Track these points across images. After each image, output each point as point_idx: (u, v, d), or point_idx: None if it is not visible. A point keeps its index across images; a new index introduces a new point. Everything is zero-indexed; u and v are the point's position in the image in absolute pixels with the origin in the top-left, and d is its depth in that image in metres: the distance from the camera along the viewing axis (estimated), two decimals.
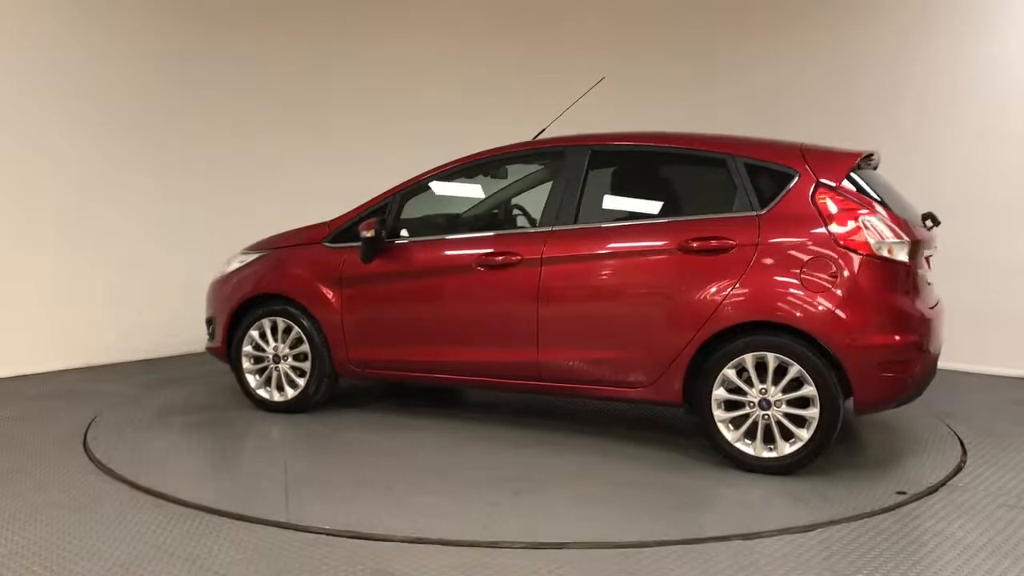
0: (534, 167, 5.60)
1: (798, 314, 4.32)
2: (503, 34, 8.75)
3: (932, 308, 4.67)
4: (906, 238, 4.40)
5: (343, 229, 5.50)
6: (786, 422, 4.36)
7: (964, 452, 4.89)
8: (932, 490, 4.26)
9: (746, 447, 4.45)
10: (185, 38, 7.67)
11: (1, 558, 3.40)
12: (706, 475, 4.46)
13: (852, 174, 4.57)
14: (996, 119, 6.89)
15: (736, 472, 4.45)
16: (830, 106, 7.54)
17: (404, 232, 5.38)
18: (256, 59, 8.09)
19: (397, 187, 5.43)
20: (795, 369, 4.32)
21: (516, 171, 5.63)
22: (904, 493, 4.16)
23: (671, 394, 4.64)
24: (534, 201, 5.43)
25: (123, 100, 7.31)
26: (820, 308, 4.29)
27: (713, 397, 4.49)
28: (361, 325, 5.40)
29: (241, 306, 5.72)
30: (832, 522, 3.80)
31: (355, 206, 5.55)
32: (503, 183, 5.70)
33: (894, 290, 4.39)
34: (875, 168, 5.09)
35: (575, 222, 4.92)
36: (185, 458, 4.79)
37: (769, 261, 4.43)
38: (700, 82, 8.19)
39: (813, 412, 4.30)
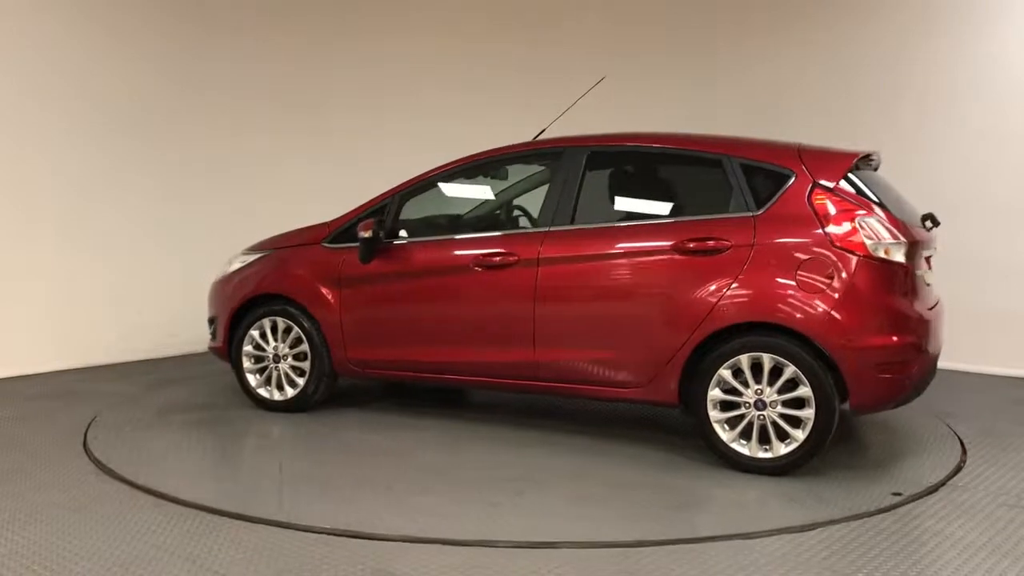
0: (532, 168, 5.60)
1: (793, 315, 4.31)
2: (503, 34, 8.75)
3: (931, 309, 4.66)
4: (903, 239, 4.39)
5: (342, 230, 5.51)
6: (782, 423, 4.35)
7: (964, 452, 4.89)
8: (932, 490, 4.26)
9: (742, 448, 4.44)
10: (185, 38, 7.67)
11: (1, 558, 3.40)
12: (703, 475, 4.45)
13: (850, 175, 4.56)
14: (996, 119, 6.89)
15: (732, 472, 4.45)
16: (830, 106, 7.54)
17: (403, 233, 5.38)
18: (256, 59, 8.10)
19: (396, 188, 5.44)
20: (790, 370, 4.31)
21: (514, 172, 5.63)
22: (900, 494, 4.15)
23: (667, 394, 4.64)
24: (532, 202, 5.44)
25: (123, 100, 7.31)
26: (815, 309, 4.28)
27: (709, 398, 4.49)
28: (360, 325, 5.40)
29: (242, 306, 5.73)
30: (832, 521, 3.80)
31: (355, 207, 5.55)
32: (501, 184, 5.70)
33: (891, 291, 4.38)
34: (875, 169, 5.09)
35: (572, 223, 4.92)
36: (185, 458, 4.79)
37: (765, 262, 4.42)
38: (700, 82, 8.19)
39: (808, 413, 4.29)
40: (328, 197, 6.63)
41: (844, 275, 4.28)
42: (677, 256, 4.59)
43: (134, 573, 3.26)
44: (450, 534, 3.64)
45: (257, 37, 8.10)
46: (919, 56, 7.23)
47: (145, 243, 7.47)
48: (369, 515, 3.85)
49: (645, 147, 5.09)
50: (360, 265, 5.34)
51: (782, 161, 4.59)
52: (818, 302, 4.28)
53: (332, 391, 5.73)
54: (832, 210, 4.38)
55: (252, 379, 5.73)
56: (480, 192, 5.80)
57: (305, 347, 5.55)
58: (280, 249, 5.79)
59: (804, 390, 4.29)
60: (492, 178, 5.63)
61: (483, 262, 5.05)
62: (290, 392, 5.63)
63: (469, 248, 5.15)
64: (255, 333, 5.69)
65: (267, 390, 5.70)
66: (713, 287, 4.47)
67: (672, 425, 5.33)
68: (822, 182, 4.46)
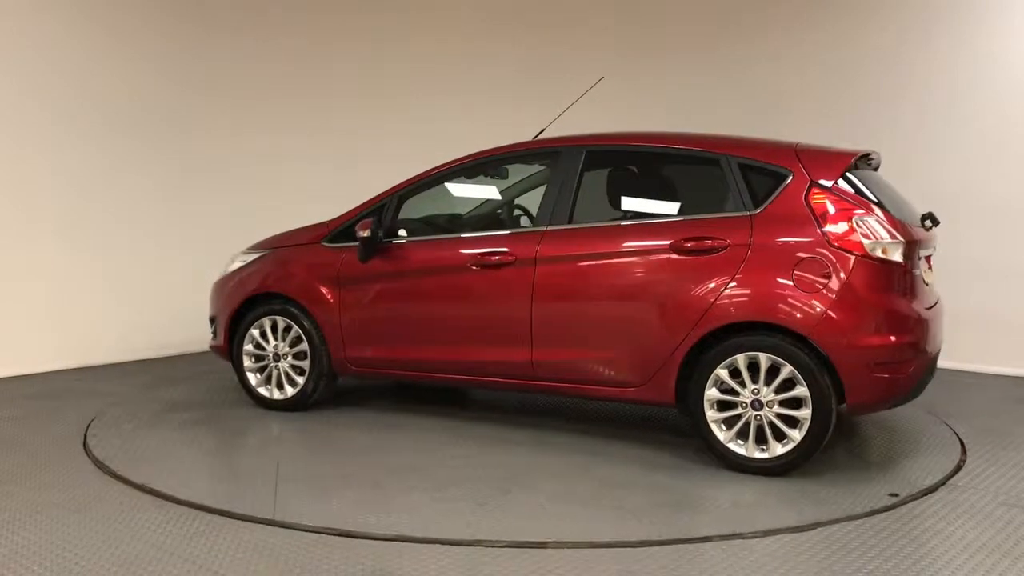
0: (530, 167, 5.61)
1: (790, 314, 4.30)
2: (503, 34, 8.76)
3: (930, 308, 4.64)
4: (901, 238, 4.37)
5: (341, 229, 5.51)
6: (778, 423, 4.34)
7: (964, 451, 4.89)
8: (931, 490, 4.26)
9: (739, 448, 4.43)
10: (185, 38, 7.68)
11: (1, 558, 3.40)
12: (699, 476, 4.44)
13: (848, 174, 4.55)
14: (997, 119, 6.88)
15: (729, 473, 4.44)
16: (830, 106, 7.54)
17: (402, 232, 5.39)
18: (256, 59, 8.10)
19: (394, 187, 5.44)
20: (787, 370, 4.29)
21: (514, 172, 5.63)
22: (897, 495, 4.14)
23: (664, 394, 4.63)
24: (531, 202, 5.44)
25: (123, 100, 7.31)
26: (812, 308, 4.27)
27: (706, 397, 4.48)
28: (358, 324, 5.41)
29: (243, 305, 5.74)
30: (831, 521, 3.80)
31: (354, 206, 5.56)
32: (500, 183, 5.70)
33: (888, 291, 4.36)
34: (875, 169, 5.09)
35: (569, 222, 4.92)
36: (185, 457, 4.79)
37: (762, 261, 4.40)
38: (700, 82, 8.19)
39: (805, 413, 4.28)
40: (328, 197, 6.64)
41: (841, 274, 4.27)
42: (674, 255, 4.59)
43: (134, 573, 3.26)
44: (450, 534, 3.64)
45: (257, 37, 8.11)
46: (919, 56, 7.23)
47: (145, 243, 7.47)
48: (369, 515, 3.85)
49: (642, 147, 5.09)
50: (359, 264, 5.35)
51: (779, 160, 4.58)
52: (815, 301, 4.27)
53: (332, 390, 5.73)
54: (829, 209, 4.37)
55: (252, 378, 5.74)
56: (478, 192, 5.81)
57: (305, 346, 5.55)
58: (280, 248, 5.80)
59: (801, 390, 4.28)
60: (491, 178, 5.63)
61: (480, 261, 5.05)
62: (290, 391, 5.64)
63: (466, 248, 5.15)
64: (255, 332, 5.70)
65: (267, 389, 5.70)
66: (710, 286, 4.46)
67: (670, 425, 5.33)
68: (819, 181, 4.45)
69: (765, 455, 4.38)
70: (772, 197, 4.50)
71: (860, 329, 4.26)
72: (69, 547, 3.50)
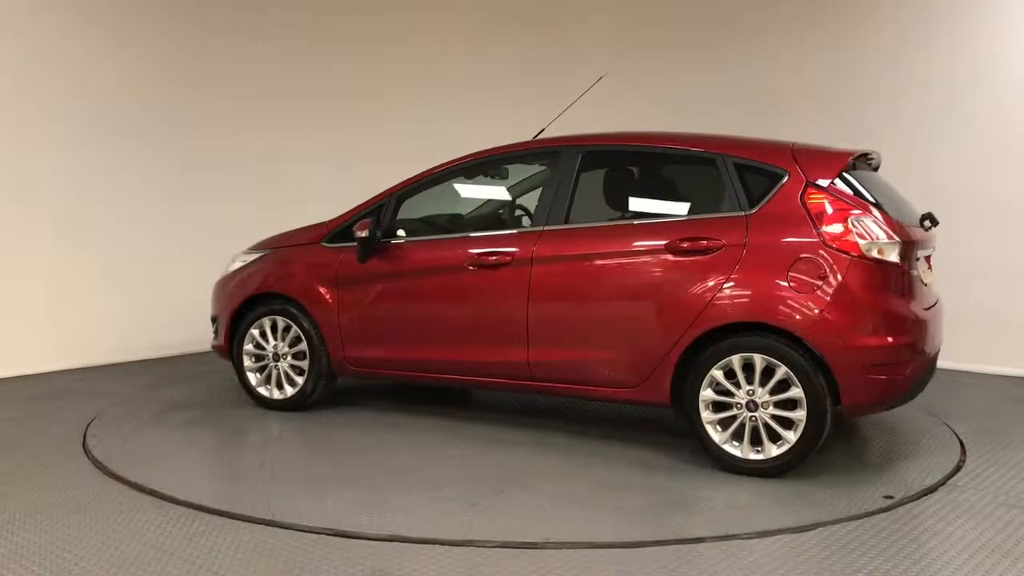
0: (527, 168, 5.60)
1: (785, 315, 4.28)
2: (503, 34, 8.76)
3: (928, 309, 4.62)
4: (897, 239, 4.34)
5: (340, 229, 5.52)
6: (773, 424, 4.32)
7: (963, 451, 4.89)
8: (931, 490, 4.25)
9: (734, 449, 4.41)
10: (185, 38, 7.68)
11: (0, 559, 3.40)
12: (694, 477, 4.42)
13: (846, 174, 4.52)
14: (997, 119, 6.88)
15: (724, 474, 4.42)
16: (830, 106, 7.53)
17: (401, 232, 5.39)
18: (256, 59, 8.10)
19: (393, 188, 5.45)
20: (782, 371, 4.27)
21: (513, 172, 5.62)
22: (892, 497, 4.11)
23: (659, 395, 4.62)
24: (529, 202, 5.44)
25: (123, 100, 7.31)
26: (807, 309, 4.24)
27: (701, 398, 4.46)
28: (357, 324, 5.41)
29: (243, 305, 5.74)
30: (831, 522, 3.80)
31: (353, 206, 5.56)
32: (498, 183, 5.70)
33: (884, 291, 4.33)
34: (875, 169, 5.08)
35: (566, 222, 4.91)
36: (185, 457, 4.80)
37: (757, 261, 4.38)
38: (700, 82, 8.18)
39: (800, 414, 4.26)
40: (328, 197, 6.63)
41: (837, 275, 4.24)
42: (670, 256, 4.57)
43: (133, 574, 3.27)
44: (449, 534, 3.64)
45: (257, 37, 8.11)
46: (919, 55, 7.22)
47: (145, 243, 7.47)
48: (368, 515, 3.85)
49: (639, 147, 5.09)
50: (357, 265, 5.35)
51: (775, 160, 4.56)
52: (810, 302, 4.25)
53: (331, 390, 5.73)
54: (825, 209, 4.35)
55: (252, 378, 5.75)
56: (477, 192, 5.81)
57: (304, 346, 5.56)
58: (280, 249, 5.81)
59: (796, 391, 4.26)
60: (490, 178, 5.63)
61: (477, 262, 5.05)
62: (289, 391, 5.64)
63: (463, 248, 5.15)
64: (255, 332, 5.71)
65: (267, 389, 5.71)
66: (705, 287, 4.45)
67: (667, 427, 5.33)
68: (816, 181, 4.42)
69: (760, 456, 4.36)
70: (768, 197, 4.48)
71: (855, 330, 4.24)
72: (69, 548, 3.50)
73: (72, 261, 7.05)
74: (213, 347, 6.04)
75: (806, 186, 4.42)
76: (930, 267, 4.90)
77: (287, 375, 5.65)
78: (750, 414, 4.36)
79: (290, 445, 5.13)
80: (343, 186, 6.91)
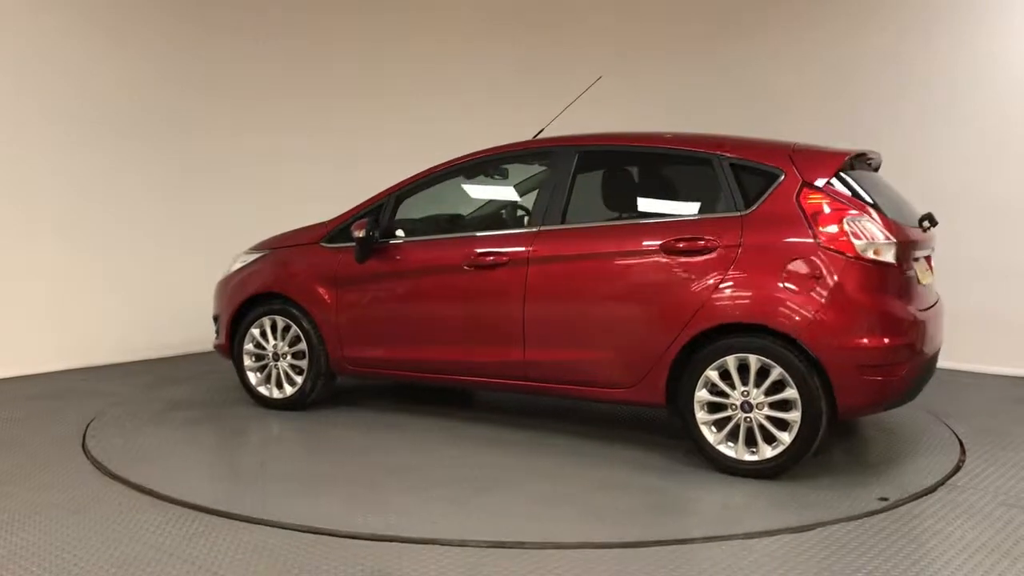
0: (530, 168, 5.59)
1: (779, 316, 4.26)
2: (503, 34, 8.75)
3: (926, 309, 4.60)
4: (893, 239, 4.31)
5: (339, 229, 5.53)
6: (768, 425, 4.30)
7: (963, 451, 4.89)
8: (931, 490, 4.25)
9: (728, 450, 4.39)
10: (185, 38, 7.68)
11: (0, 559, 3.40)
12: (690, 478, 4.41)
13: (844, 175, 4.50)
14: (997, 118, 6.87)
15: (719, 475, 4.40)
16: (830, 106, 7.53)
17: (400, 232, 5.40)
18: (256, 59, 8.11)
19: (391, 188, 5.45)
20: (776, 371, 4.25)
21: (513, 172, 5.62)
22: (886, 499, 4.09)
23: (654, 395, 4.61)
24: (528, 202, 5.43)
25: (123, 100, 7.31)
26: (802, 310, 4.22)
27: (696, 399, 4.44)
28: (355, 324, 5.42)
29: (244, 305, 5.75)
30: (831, 522, 3.80)
31: (353, 206, 5.56)
32: (498, 184, 5.70)
33: (880, 292, 4.30)
34: (875, 169, 5.07)
35: (562, 222, 4.90)
36: (184, 458, 4.80)
37: (752, 262, 4.36)
38: (700, 81, 8.18)
39: (795, 415, 4.24)
40: (328, 197, 6.63)
41: (832, 276, 4.22)
42: (665, 256, 4.56)
43: (133, 574, 3.26)
44: (449, 534, 3.64)
45: (257, 37, 8.11)
46: (919, 55, 7.22)
47: (145, 243, 7.47)
48: (365, 515, 3.85)
49: (636, 147, 5.08)
50: (356, 264, 5.36)
51: (771, 160, 4.53)
52: (805, 303, 4.22)
53: (330, 390, 5.74)
54: (820, 210, 4.32)
55: (252, 377, 5.76)
56: (475, 192, 5.81)
57: (303, 346, 5.56)
58: (280, 249, 5.82)
59: (791, 392, 4.23)
60: (490, 178, 5.62)
61: (474, 262, 5.05)
62: (289, 390, 5.65)
63: (460, 248, 5.14)
64: (255, 332, 5.72)
65: (267, 388, 5.72)
66: (700, 287, 4.43)
67: (663, 427, 5.32)
68: (811, 181, 4.39)
69: (755, 457, 4.34)
70: (763, 197, 4.46)
71: (850, 331, 4.21)
72: (68, 548, 3.50)
73: (72, 261, 7.05)
74: (215, 346, 6.05)
75: (802, 186, 4.39)
76: (930, 267, 4.89)
77: (287, 374, 5.66)
78: (745, 415, 4.34)
79: (290, 445, 5.14)
80: (343, 186, 6.91)
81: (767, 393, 4.30)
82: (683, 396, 4.50)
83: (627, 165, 5.20)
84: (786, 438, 4.26)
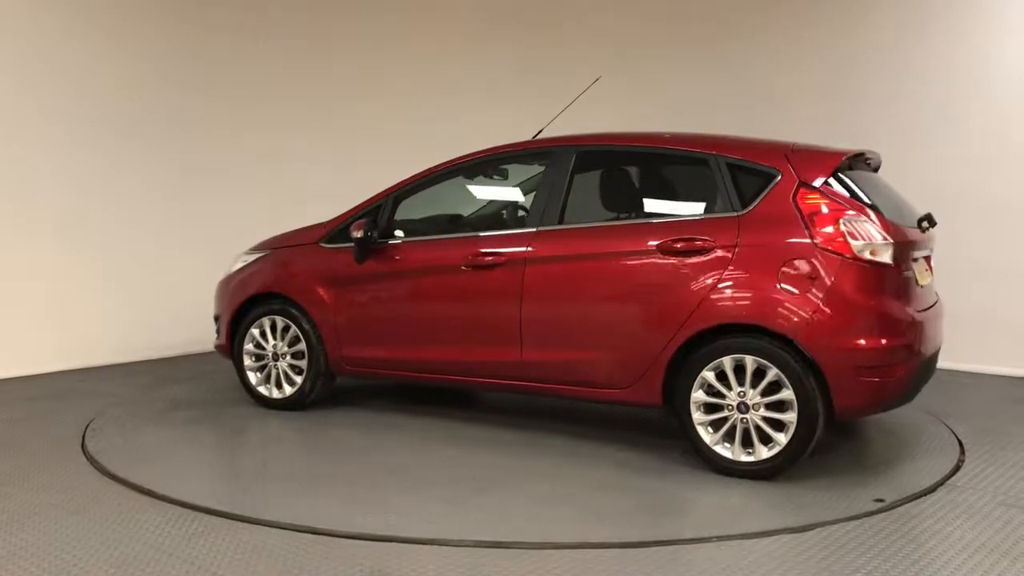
0: (531, 168, 5.58)
1: (775, 316, 4.24)
2: (503, 34, 8.75)
3: (924, 310, 4.58)
4: (890, 240, 4.29)
5: (338, 230, 5.53)
6: (764, 426, 4.29)
7: (962, 451, 4.88)
8: (930, 490, 4.25)
9: (725, 451, 4.38)
10: (185, 38, 7.68)
11: (0, 560, 3.42)
12: (685, 478, 4.41)
13: (841, 175, 4.49)
14: (996, 118, 6.87)
15: (716, 476, 4.40)
16: (828, 105, 7.53)
17: (399, 233, 5.39)
18: (256, 59, 8.11)
19: (390, 188, 5.45)
20: (773, 372, 4.24)
21: (513, 172, 5.62)
22: (882, 501, 4.07)
23: (652, 396, 4.60)
24: (523, 202, 5.43)
25: (123, 100, 7.32)
26: (798, 310, 4.20)
27: (692, 400, 4.43)
28: (353, 324, 5.43)
29: (244, 305, 5.76)
30: (830, 522, 3.80)
31: (352, 206, 5.57)
32: (497, 183, 5.70)
33: (877, 293, 4.27)
34: (875, 169, 5.07)
35: (560, 223, 4.90)
36: (184, 458, 4.80)
37: (748, 262, 4.34)
38: (700, 81, 8.18)
39: (791, 416, 4.22)
40: (328, 197, 6.64)
41: (828, 276, 4.20)
42: (662, 256, 4.54)
43: (132, 574, 3.27)
44: (447, 534, 3.64)
45: (257, 37, 8.11)
46: (917, 54, 7.22)
47: (145, 243, 7.48)
48: (366, 515, 3.85)
49: (634, 147, 5.08)
50: (354, 265, 5.37)
51: (768, 160, 4.52)
52: (801, 304, 4.21)
53: (330, 390, 5.75)
54: (817, 210, 4.30)
55: (252, 377, 5.76)
56: (473, 192, 5.81)
57: (303, 346, 5.57)
58: (280, 249, 5.82)
59: (787, 393, 4.22)
60: (487, 178, 5.62)
61: (471, 262, 5.04)
62: (288, 390, 5.66)
63: (458, 248, 5.15)
64: (255, 332, 5.72)
65: (266, 388, 5.73)
66: (695, 288, 4.42)
67: (658, 427, 5.32)
68: (808, 181, 4.38)
69: (751, 458, 4.33)
70: (760, 198, 4.44)
71: (847, 332, 4.19)
72: (67, 548, 3.51)
73: (72, 261, 7.05)
74: (216, 347, 6.06)
75: (798, 186, 4.38)
76: (930, 268, 4.88)
77: (286, 374, 5.67)
78: (741, 416, 4.33)
79: (289, 445, 5.14)
80: (343, 186, 6.91)
81: (763, 394, 4.28)
82: (680, 397, 4.49)
83: (624, 165, 5.19)
84: (782, 439, 4.25)
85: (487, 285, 4.98)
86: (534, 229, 4.94)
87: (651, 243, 4.59)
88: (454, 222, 5.75)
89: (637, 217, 4.89)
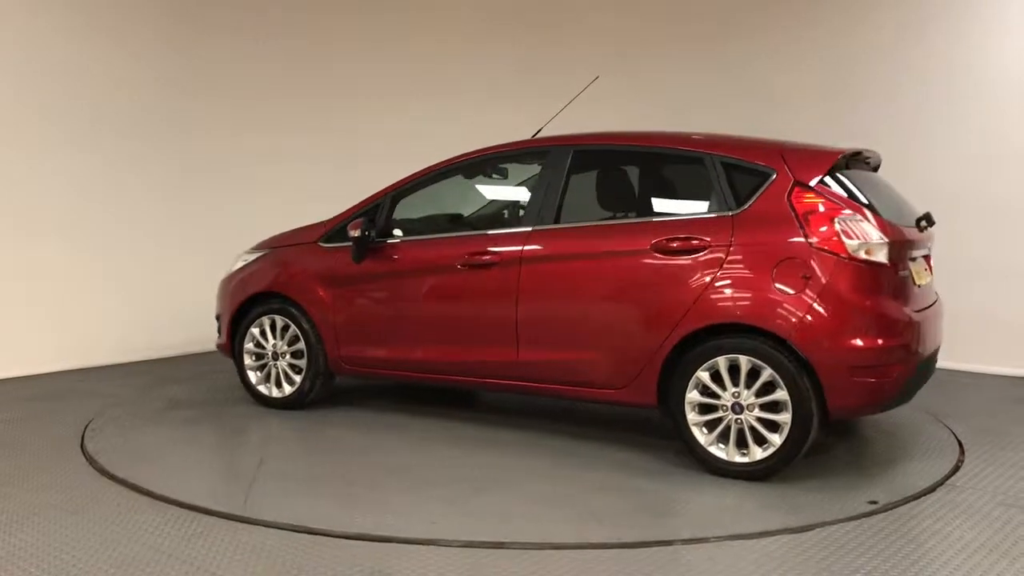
0: (530, 168, 5.58)
1: (769, 316, 4.22)
2: (503, 34, 8.75)
3: (921, 310, 4.56)
4: (886, 239, 4.26)
5: (337, 229, 5.53)
6: (759, 427, 4.27)
7: (962, 451, 4.88)
8: (929, 490, 4.25)
9: (719, 451, 4.37)
10: (184, 39, 7.68)
11: None
12: (680, 479, 4.40)
13: (838, 174, 4.47)
14: (996, 117, 6.87)
15: (711, 476, 4.39)
16: (829, 103, 7.52)
17: (397, 232, 5.39)
18: (256, 59, 8.11)
19: (388, 188, 5.45)
20: (767, 372, 4.22)
21: (513, 172, 5.63)
22: (875, 503, 4.06)
23: (646, 396, 4.58)
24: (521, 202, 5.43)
25: (122, 101, 7.32)
26: (792, 310, 4.18)
27: (687, 400, 4.41)
28: (351, 323, 5.43)
29: (244, 304, 5.77)
30: (830, 522, 3.80)
31: (351, 206, 5.57)
32: (497, 183, 5.70)
33: (872, 293, 4.24)
34: (874, 169, 5.06)
35: (556, 222, 4.88)
36: (184, 458, 4.80)
37: (742, 262, 4.33)
38: (699, 80, 8.18)
39: (785, 417, 4.20)
40: (328, 197, 6.62)
41: (823, 276, 4.17)
42: (657, 255, 4.53)
43: (131, 575, 3.26)
44: (447, 535, 3.64)
45: (257, 37, 8.11)
46: (917, 54, 7.22)
47: (145, 243, 7.48)
48: (366, 515, 3.85)
49: (629, 146, 5.07)
50: (352, 264, 5.37)
51: (763, 159, 4.49)
52: (795, 303, 4.18)
53: (329, 389, 5.75)
54: (812, 209, 4.28)
55: (252, 376, 5.77)
56: (470, 191, 5.81)
57: (302, 345, 5.57)
58: (279, 248, 5.83)
59: (781, 393, 4.20)
60: (485, 177, 5.62)
61: (467, 261, 5.04)
62: (288, 389, 5.67)
63: (454, 247, 5.14)
64: (255, 331, 5.73)
65: (266, 387, 5.74)
66: (690, 287, 4.40)
67: (656, 428, 5.31)
68: (803, 180, 4.35)
69: (745, 459, 4.31)
70: (754, 197, 4.42)
71: (841, 332, 4.16)
72: (66, 549, 3.51)
73: (72, 261, 7.05)
74: (217, 346, 6.07)
75: (793, 185, 4.35)
76: (929, 267, 4.87)
77: (286, 374, 5.67)
78: (735, 416, 4.32)
79: (289, 445, 5.13)
80: (343, 186, 6.90)
81: (758, 394, 4.27)
82: (674, 397, 4.48)
83: (620, 164, 5.18)
84: (776, 440, 4.23)
85: (483, 284, 4.98)
86: (529, 228, 4.93)
87: (646, 242, 4.56)
88: (452, 221, 5.76)
89: (632, 216, 4.88)
